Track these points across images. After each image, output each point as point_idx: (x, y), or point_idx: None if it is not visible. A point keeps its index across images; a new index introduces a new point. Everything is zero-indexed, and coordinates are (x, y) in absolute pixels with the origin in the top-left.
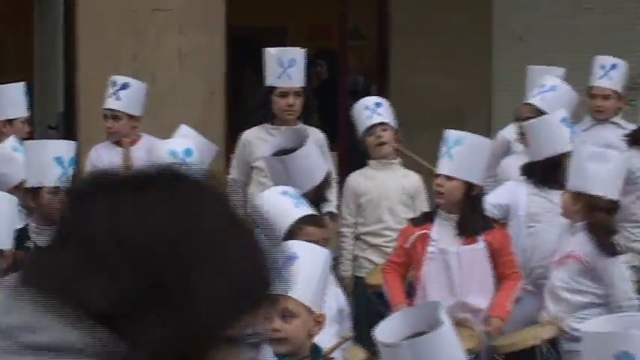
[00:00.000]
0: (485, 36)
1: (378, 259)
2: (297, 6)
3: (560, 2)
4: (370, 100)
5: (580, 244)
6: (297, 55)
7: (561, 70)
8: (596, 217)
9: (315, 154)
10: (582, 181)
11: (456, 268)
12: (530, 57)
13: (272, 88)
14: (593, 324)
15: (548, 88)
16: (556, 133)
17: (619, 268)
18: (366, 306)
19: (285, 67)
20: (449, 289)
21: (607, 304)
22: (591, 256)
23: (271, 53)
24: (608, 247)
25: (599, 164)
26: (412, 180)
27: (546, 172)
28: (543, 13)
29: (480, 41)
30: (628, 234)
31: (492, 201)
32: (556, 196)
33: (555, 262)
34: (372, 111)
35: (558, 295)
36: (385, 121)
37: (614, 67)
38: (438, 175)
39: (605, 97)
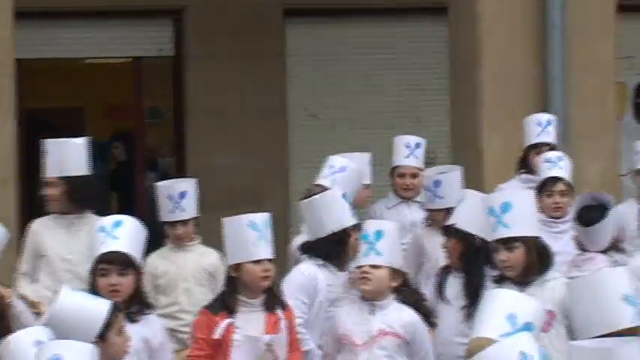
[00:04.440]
0: (281, 114)
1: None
2: (93, 86)
3: (355, 81)
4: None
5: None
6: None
7: (367, 155)
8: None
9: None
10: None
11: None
12: (325, 135)
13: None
14: None
15: (338, 169)
16: (336, 208)
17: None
18: None
19: None
20: None
21: None
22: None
23: None
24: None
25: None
26: (212, 258)
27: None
28: (338, 92)
29: (276, 119)
30: None
31: None
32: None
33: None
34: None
35: None
36: (186, 218)
37: (418, 145)
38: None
39: (414, 176)
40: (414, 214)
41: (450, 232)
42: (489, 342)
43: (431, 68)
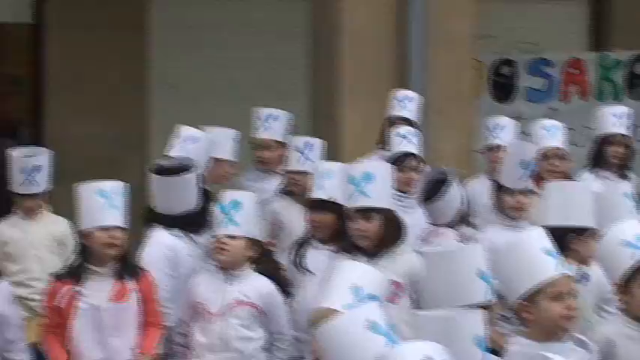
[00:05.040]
0: (141, 84)
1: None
2: None
3: (217, 53)
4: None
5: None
6: None
7: (231, 131)
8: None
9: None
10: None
11: (108, 324)
12: (186, 106)
13: None
14: None
15: (189, 140)
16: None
17: None
18: None
19: None
20: (101, 346)
21: None
22: None
23: None
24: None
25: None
26: (62, 227)
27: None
28: (199, 63)
29: (136, 89)
30: None
31: None
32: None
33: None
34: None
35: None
36: (38, 192)
37: (274, 118)
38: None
39: (268, 148)
40: (275, 186)
41: (326, 207)
42: (332, 313)
43: (293, 42)
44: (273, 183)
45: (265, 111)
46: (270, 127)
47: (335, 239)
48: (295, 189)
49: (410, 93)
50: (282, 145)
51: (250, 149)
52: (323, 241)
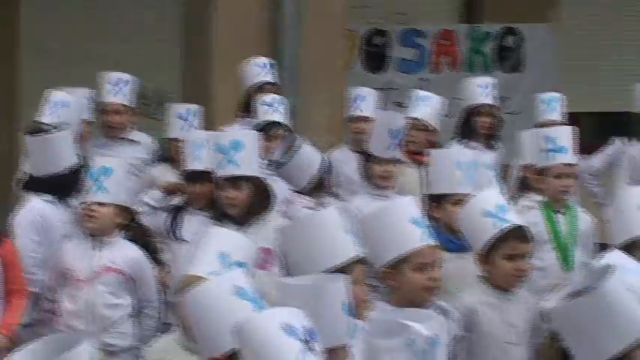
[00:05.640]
0: (13, 49)
1: None
2: None
3: (90, 22)
4: None
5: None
6: None
7: (87, 91)
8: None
9: None
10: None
11: None
12: (57, 73)
13: None
14: None
15: (61, 104)
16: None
17: None
18: None
19: None
20: None
21: None
22: None
23: None
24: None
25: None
26: None
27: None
28: (71, 31)
29: (6, 54)
30: None
31: None
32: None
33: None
34: None
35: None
36: None
37: (124, 82)
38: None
39: (117, 112)
40: (124, 152)
41: (204, 177)
42: (199, 280)
43: (164, 11)
44: (121, 150)
45: (115, 75)
46: (120, 91)
47: (212, 207)
48: (177, 156)
49: (265, 59)
50: (130, 110)
51: (97, 114)
52: (200, 209)
